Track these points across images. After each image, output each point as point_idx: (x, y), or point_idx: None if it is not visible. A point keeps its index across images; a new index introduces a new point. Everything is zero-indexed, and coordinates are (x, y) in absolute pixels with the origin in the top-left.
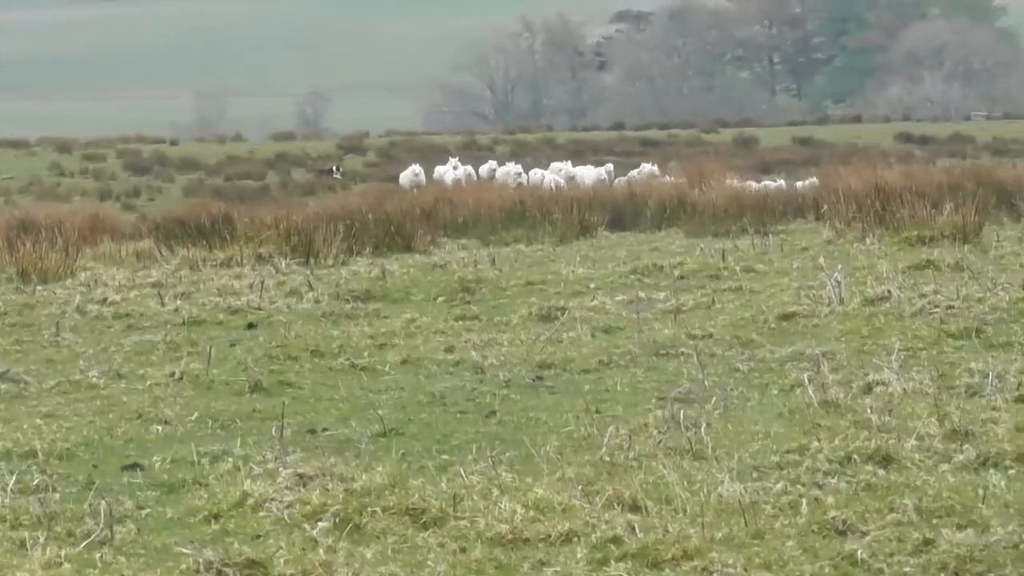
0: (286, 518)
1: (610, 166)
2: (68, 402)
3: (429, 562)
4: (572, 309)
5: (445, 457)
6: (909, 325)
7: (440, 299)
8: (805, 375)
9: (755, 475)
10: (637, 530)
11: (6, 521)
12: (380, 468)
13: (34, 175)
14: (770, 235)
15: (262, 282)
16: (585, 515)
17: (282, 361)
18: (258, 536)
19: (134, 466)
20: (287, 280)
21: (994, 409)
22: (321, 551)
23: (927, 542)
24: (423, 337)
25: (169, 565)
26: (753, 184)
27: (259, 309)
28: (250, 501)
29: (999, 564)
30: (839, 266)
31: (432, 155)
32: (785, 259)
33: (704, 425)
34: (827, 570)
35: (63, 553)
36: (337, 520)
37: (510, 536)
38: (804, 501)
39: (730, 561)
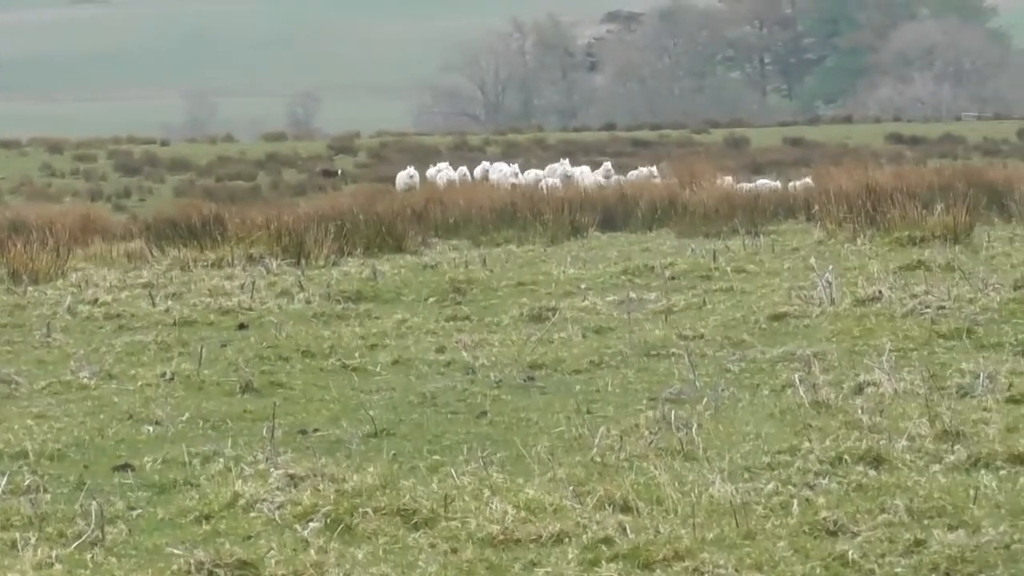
0: (277, 519)
1: (609, 166)
2: (59, 403)
3: (420, 563)
4: (563, 310)
5: (436, 458)
6: (900, 325)
7: (431, 300)
8: (796, 376)
9: (746, 476)
10: (628, 531)
11: None
12: (371, 469)
13: (25, 175)
14: (761, 236)
15: (253, 283)
16: (576, 516)
17: (273, 362)
18: (249, 537)
19: (125, 467)
20: (278, 281)
21: (985, 410)
22: (312, 552)
23: (918, 543)
24: (414, 338)
25: (160, 566)
26: (746, 185)
27: (250, 310)
28: (241, 502)
29: (990, 565)
30: (830, 266)
31: (423, 156)
32: (776, 260)
33: (695, 426)
34: (818, 571)
35: (54, 554)
36: (328, 521)
37: (501, 537)
38: (795, 502)
39: (721, 562)
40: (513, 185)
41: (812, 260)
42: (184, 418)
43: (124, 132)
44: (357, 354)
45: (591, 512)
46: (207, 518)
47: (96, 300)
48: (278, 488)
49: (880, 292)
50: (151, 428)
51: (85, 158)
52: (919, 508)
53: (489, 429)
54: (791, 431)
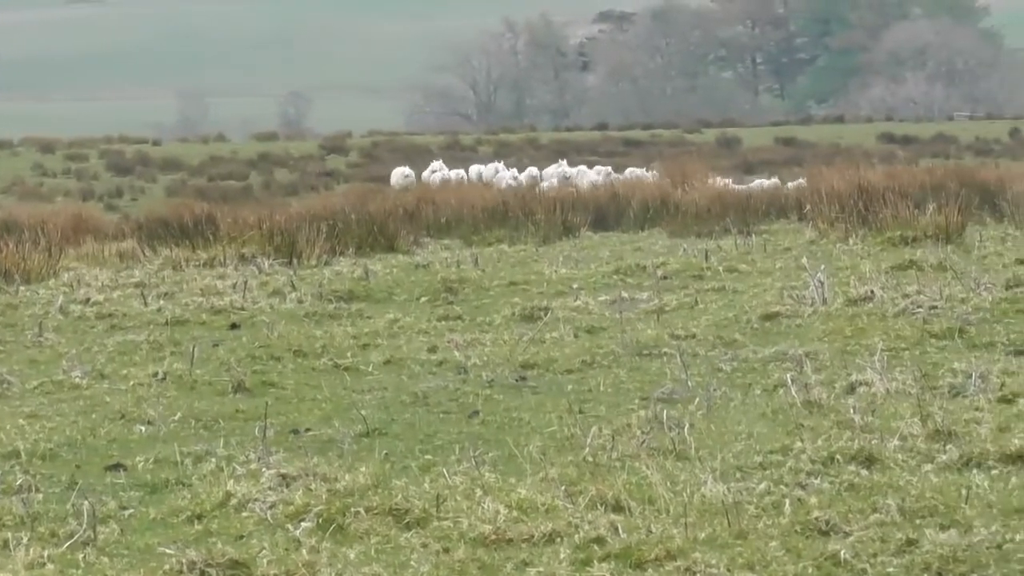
0: (269, 518)
1: (609, 169)
2: (51, 402)
3: (412, 562)
4: (555, 309)
5: (428, 457)
6: (892, 325)
7: (423, 299)
8: (788, 375)
9: (738, 475)
10: (620, 530)
11: None
12: (363, 468)
13: (17, 175)
14: (753, 235)
15: (245, 282)
16: (568, 515)
17: (265, 361)
18: (241, 536)
19: (117, 466)
20: (270, 280)
21: (977, 409)
22: (304, 551)
23: (910, 542)
24: (406, 337)
25: (152, 565)
26: (738, 186)
27: (242, 309)
28: (233, 501)
29: (982, 564)
30: (822, 266)
31: (415, 155)
32: (768, 259)
33: (687, 425)
34: (810, 570)
35: (46, 553)
36: (320, 520)
37: (493, 536)
38: (787, 501)
39: (713, 561)
40: (511, 187)
41: (804, 260)
42: (176, 418)
43: (116, 132)
44: (349, 354)
45: (583, 512)
46: (199, 518)
47: (88, 300)
48: (270, 488)
49: (872, 292)
50: (143, 428)
51: (77, 158)
52: (911, 508)
53: (481, 429)
54: (783, 431)
